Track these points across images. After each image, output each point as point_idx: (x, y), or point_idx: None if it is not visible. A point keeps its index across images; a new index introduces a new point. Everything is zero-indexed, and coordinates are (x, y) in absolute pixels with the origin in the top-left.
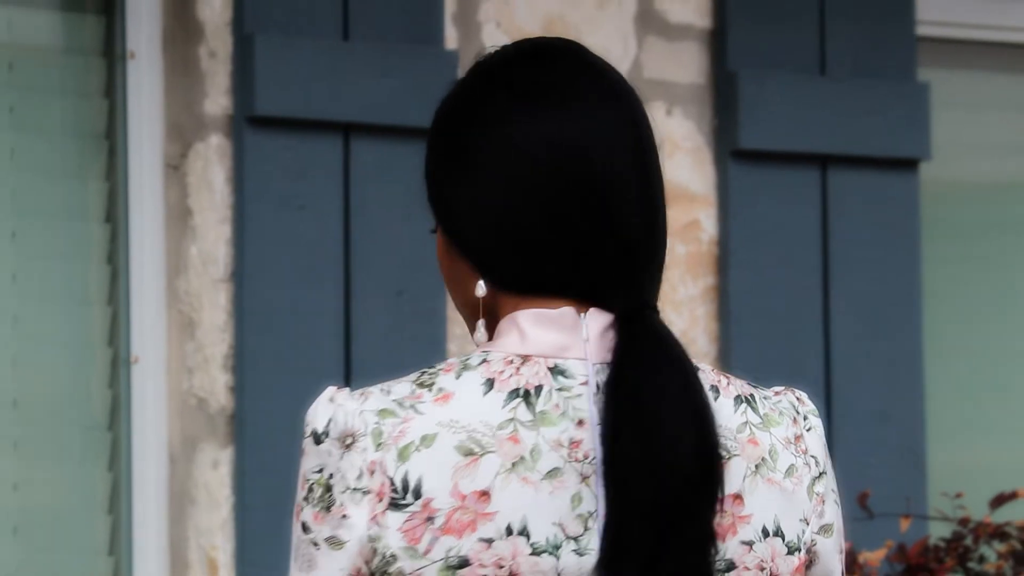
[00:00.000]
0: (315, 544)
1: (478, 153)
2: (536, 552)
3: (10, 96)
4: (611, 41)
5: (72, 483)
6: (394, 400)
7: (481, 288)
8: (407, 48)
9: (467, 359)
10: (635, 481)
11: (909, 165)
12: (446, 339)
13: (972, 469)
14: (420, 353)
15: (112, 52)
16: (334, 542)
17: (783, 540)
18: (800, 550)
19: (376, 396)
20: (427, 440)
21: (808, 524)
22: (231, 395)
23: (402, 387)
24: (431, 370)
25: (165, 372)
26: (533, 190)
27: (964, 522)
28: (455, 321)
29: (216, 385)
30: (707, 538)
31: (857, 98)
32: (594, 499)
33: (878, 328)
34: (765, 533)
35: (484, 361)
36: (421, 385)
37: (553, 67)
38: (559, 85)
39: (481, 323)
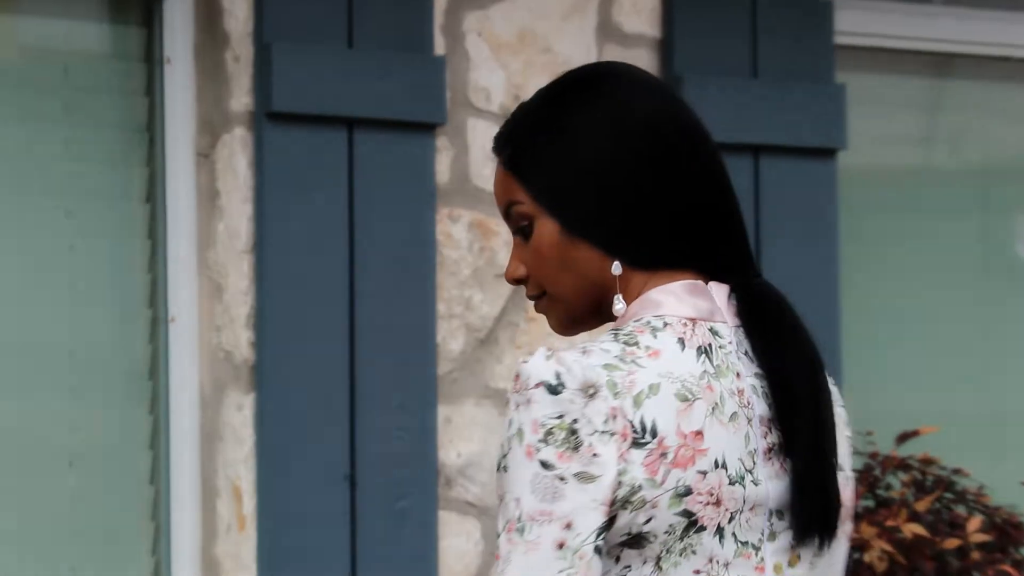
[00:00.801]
0: (561, 479)
1: (605, 156)
2: (731, 482)
3: (65, 95)
4: (576, 49)
5: (119, 423)
6: (615, 356)
7: (617, 267)
8: (402, 54)
9: (648, 322)
10: (802, 426)
11: (828, 154)
12: (435, 303)
13: (882, 412)
14: (413, 314)
15: (151, 58)
16: (585, 477)
17: (726, 472)
18: (738, 483)
19: (597, 353)
20: (653, 389)
21: (743, 463)
22: (253, 349)
23: (611, 346)
24: (623, 332)
25: (197, 329)
26: (664, 178)
27: (873, 456)
28: (444, 288)
29: (240, 340)
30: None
31: (784, 97)
32: (755, 438)
33: (801, 291)
34: (715, 465)
35: (666, 324)
36: (628, 344)
37: (646, 76)
38: (658, 85)
39: (619, 297)
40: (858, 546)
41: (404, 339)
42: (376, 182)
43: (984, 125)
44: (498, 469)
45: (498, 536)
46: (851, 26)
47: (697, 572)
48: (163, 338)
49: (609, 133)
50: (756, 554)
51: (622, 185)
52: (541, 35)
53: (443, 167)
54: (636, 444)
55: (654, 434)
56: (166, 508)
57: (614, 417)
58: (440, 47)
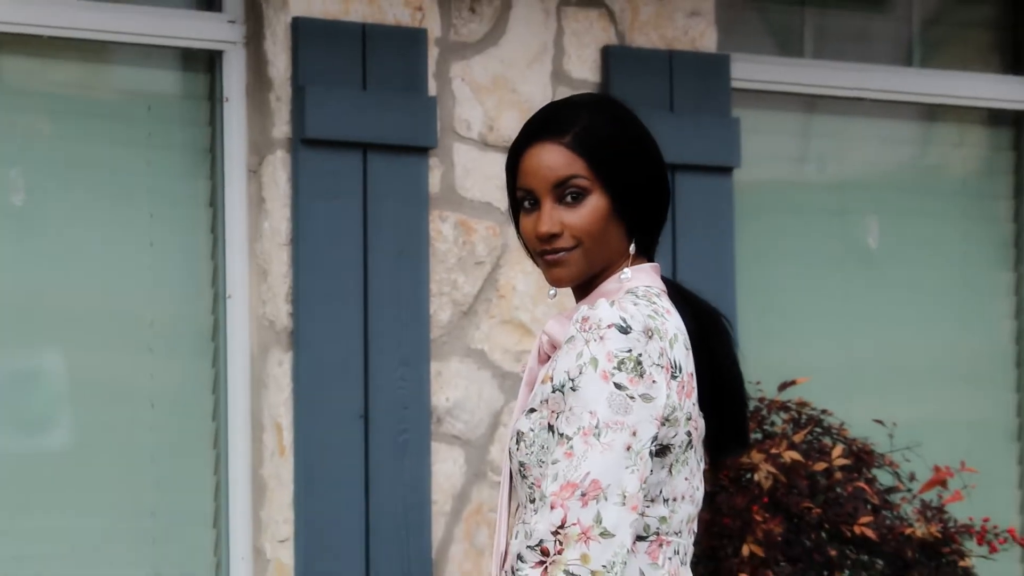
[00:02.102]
0: (631, 398)
1: (656, 167)
2: (700, 416)
3: (148, 125)
4: (536, 89)
5: (188, 374)
6: (653, 311)
7: (633, 248)
8: (403, 94)
9: (649, 288)
10: (720, 369)
11: (726, 171)
12: (428, 283)
13: (767, 367)
14: (411, 292)
15: (214, 97)
16: (647, 397)
17: (698, 406)
18: (700, 415)
19: (642, 306)
20: (676, 338)
21: (699, 400)
22: (291, 319)
23: (643, 304)
24: (637, 297)
25: (248, 303)
26: (666, 191)
27: (761, 400)
28: (435, 272)
29: (280, 312)
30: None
31: (694, 127)
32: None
33: (705, 276)
34: (695, 400)
35: (659, 293)
36: (650, 303)
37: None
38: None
39: (629, 269)
40: (749, 469)
41: (405, 311)
42: (384, 191)
43: (842, 149)
44: (558, 390)
45: (565, 437)
46: (743, 74)
47: (686, 478)
48: (222, 310)
49: (658, 150)
50: (699, 466)
51: (661, 193)
52: (510, 80)
53: (435, 180)
54: (673, 376)
55: (680, 370)
56: (224, 439)
57: (662, 354)
58: (432, 89)
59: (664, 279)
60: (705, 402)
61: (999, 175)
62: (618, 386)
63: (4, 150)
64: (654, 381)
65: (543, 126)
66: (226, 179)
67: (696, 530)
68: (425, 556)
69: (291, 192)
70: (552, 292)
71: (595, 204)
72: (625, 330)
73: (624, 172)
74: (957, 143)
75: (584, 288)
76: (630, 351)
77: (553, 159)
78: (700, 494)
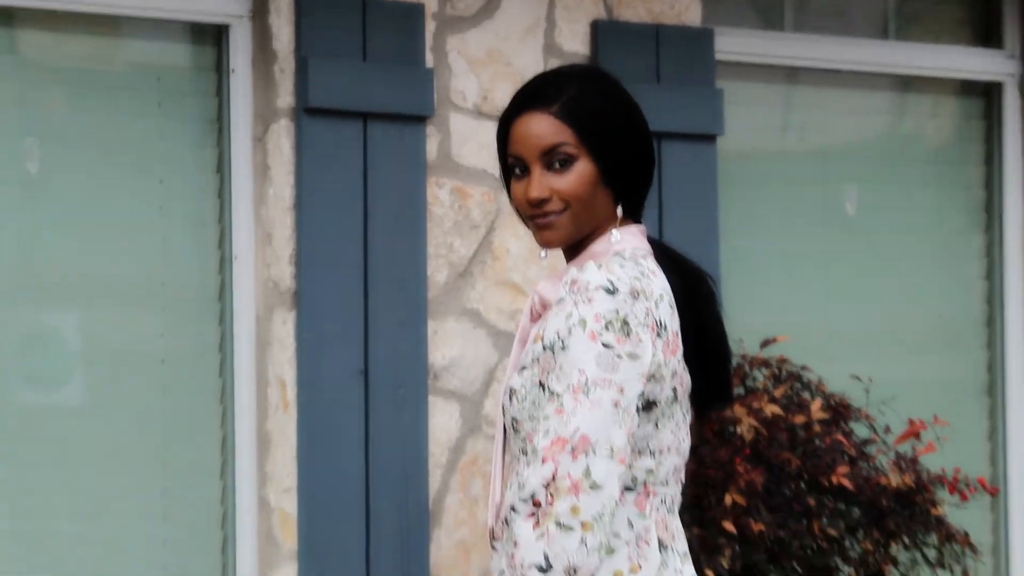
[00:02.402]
0: (619, 356)
1: (641, 136)
2: (684, 369)
3: (158, 96)
4: (529, 62)
5: (196, 333)
6: (639, 271)
7: (620, 211)
8: (402, 66)
9: (636, 250)
10: (705, 327)
11: (711, 139)
12: (426, 246)
13: (750, 325)
14: (409, 254)
15: (221, 69)
16: (633, 356)
17: (683, 362)
18: (685, 371)
19: (628, 268)
20: (661, 298)
21: (684, 357)
22: (294, 280)
23: (629, 266)
24: (624, 259)
25: (253, 265)
26: (651, 157)
27: (744, 357)
28: (432, 235)
29: (284, 274)
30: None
31: (679, 98)
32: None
33: (691, 240)
34: (680, 356)
35: (646, 254)
36: (636, 265)
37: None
38: None
39: (616, 231)
40: (732, 422)
41: (403, 272)
42: (383, 159)
43: (822, 119)
44: (548, 349)
45: (555, 395)
46: (727, 47)
47: (672, 432)
48: (229, 272)
49: (643, 119)
50: (685, 420)
51: (647, 159)
52: (503, 52)
53: (432, 148)
54: (658, 335)
55: (665, 329)
56: (230, 395)
57: (647, 314)
58: (430, 61)
59: (651, 240)
60: (691, 358)
61: (971, 143)
62: (606, 345)
63: (20, 120)
64: (640, 340)
65: (532, 96)
66: (232, 147)
67: (684, 480)
68: (422, 505)
69: (294, 159)
70: (543, 254)
71: (582, 170)
72: (612, 292)
73: (610, 139)
74: (931, 113)
75: (574, 250)
76: (617, 312)
77: (541, 128)
78: (686, 446)
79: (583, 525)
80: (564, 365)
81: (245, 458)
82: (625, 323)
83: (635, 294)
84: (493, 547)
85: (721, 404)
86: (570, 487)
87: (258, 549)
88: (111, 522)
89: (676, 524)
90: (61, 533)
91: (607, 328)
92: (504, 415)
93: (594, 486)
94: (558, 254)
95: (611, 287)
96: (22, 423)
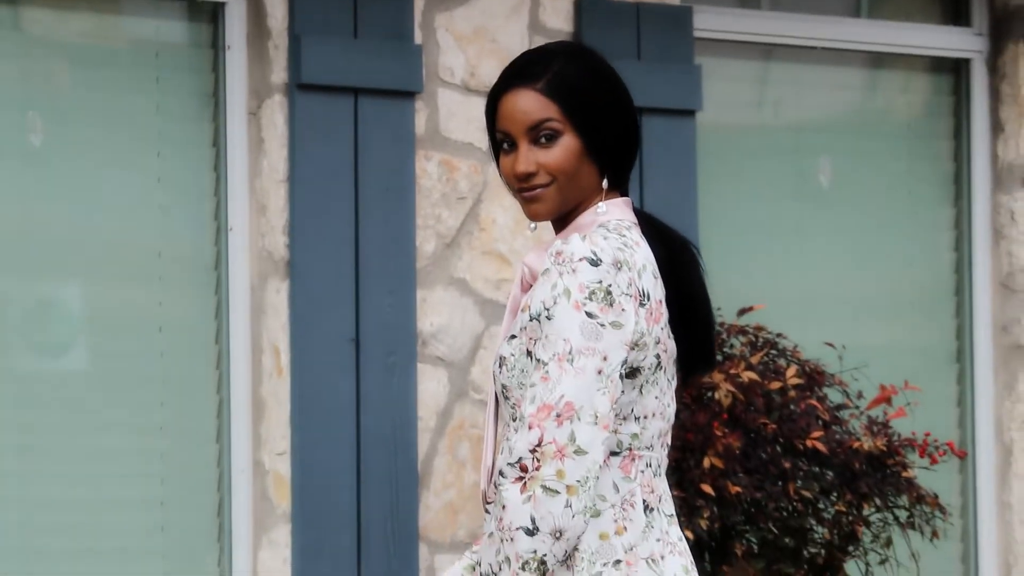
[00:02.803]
0: (602, 325)
1: (625, 110)
2: (668, 337)
3: (156, 72)
4: (514, 39)
5: (193, 301)
6: (622, 243)
7: (605, 183)
8: (391, 42)
9: (620, 221)
10: (689, 295)
11: (690, 114)
12: (415, 217)
13: (727, 294)
14: (399, 225)
15: (217, 45)
16: (616, 324)
17: (667, 330)
18: (670, 338)
19: (612, 240)
20: (644, 268)
21: (669, 325)
22: (287, 250)
23: (613, 238)
24: (609, 231)
25: (248, 236)
26: (635, 131)
27: (721, 324)
28: (420, 207)
29: (278, 244)
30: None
31: (660, 74)
32: (665, 308)
33: (671, 210)
34: (664, 324)
35: (630, 226)
36: (620, 236)
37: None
38: None
39: (603, 203)
40: (710, 388)
41: (393, 243)
42: (373, 133)
43: (797, 94)
44: (535, 319)
45: (541, 363)
46: (705, 25)
47: (656, 397)
48: (224, 242)
49: (627, 93)
50: (670, 385)
51: (630, 133)
52: (490, 30)
53: (420, 122)
54: (641, 304)
55: (648, 298)
56: (226, 361)
57: (630, 284)
58: (418, 38)
59: (637, 211)
60: (675, 325)
61: (940, 118)
62: (589, 315)
63: (24, 94)
64: (623, 309)
65: (518, 73)
66: (228, 121)
67: (669, 443)
68: (411, 467)
69: (288, 133)
70: (532, 226)
71: (567, 144)
72: (596, 263)
73: (594, 114)
74: (902, 89)
75: (562, 221)
76: (600, 282)
77: (527, 104)
78: (671, 411)
79: (568, 489)
80: (549, 334)
81: (240, 422)
82: (608, 293)
83: (618, 265)
84: (486, 510)
85: (705, 369)
86: (555, 452)
87: (253, 510)
88: (111, 484)
89: (663, 487)
90: (63, 494)
91: (591, 298)
92: (495, 383)
93: (579, 451)
94: (547, 225)
95: (595, 258)
96: (26, 388)
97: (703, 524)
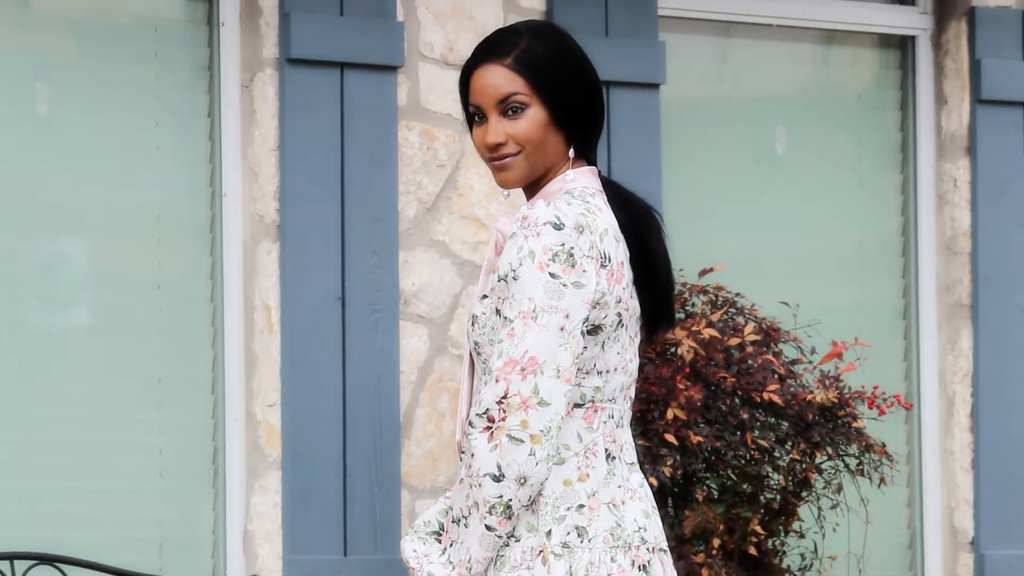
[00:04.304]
0: (564, 285)
1: (589, 83)
2: (630, 296)
3: (155, 46)
4: (490, 16)
5: (189, 261)
6: (585, 208)
7: (572, 152)
8: (375, 19)
9: (585, 188)
10: (652, 257)
11: (654, 87)
12: (397, 183)
13: (689, 256)
14: (382, 191)
15: (212, 22)
16: (578, 284)
17: (629, 290)
18: (633, 297)
19: (575, 206)
20: (606, 232)
21: (631, 285)
22: (278, 214)
23: (576, 203)
24: (574, 198)
25: (241, 200)
26: (600, 103)
27: (684, 284)
28: (403, 173)
29: (269, 208)
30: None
31: (626, 49)
32: (628, 268)
33: (636, 179)
34: (626, 285)
35: (595, 193)
36: (584, 203)
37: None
38: None
39: (572, 171)
40: (673, 344)
41: (377, 207)
42: (358, 105)
43: (755, 68)
44: (502, 279)
45: (508, 320)
46: (669, 3)
47: (618, 353)
48: (219, 206)
49: (591, 68)
50: (632, 342)
51: (594, 104)
52: (467, 7)
53: (402, 94)
54: (602, 266)
55: (609, 260)
56: (221, 318)
57: (592, 247)
58: (400, 15)
59: (603, 179)
60: (638, 285)
61: (888, 91)
62: (552, 275)
63: (31, 66)
64: (584, 271)
65: (489, 50)
66: (222, 93)
67: (632, 396)
68: (394, 418)
69: (278, 105)
70: (505, 193)
71: (534, 116)
72: (559, 227)
73: (560, 87)
74: (852, 63)
75: (532, 188)
76: (563, 245)
77: (497, 78)
78: (633, 366)
79: (532, 438)
80: (515, 293)
81: (234, 375)
82: (570, 255)
83: (580, 229)
84: (460, 458)
85: (667, 326)
86: (520, 404)
87: (246, 458)
88: (112, 432)
89: (625, 437)
90: (67, 443)
91: (554, 260)
92: (468, 340)
93: (542, 403)
94: (519, 192)
95: (558, 222)
96: (31, 343)
97: (666, 471)
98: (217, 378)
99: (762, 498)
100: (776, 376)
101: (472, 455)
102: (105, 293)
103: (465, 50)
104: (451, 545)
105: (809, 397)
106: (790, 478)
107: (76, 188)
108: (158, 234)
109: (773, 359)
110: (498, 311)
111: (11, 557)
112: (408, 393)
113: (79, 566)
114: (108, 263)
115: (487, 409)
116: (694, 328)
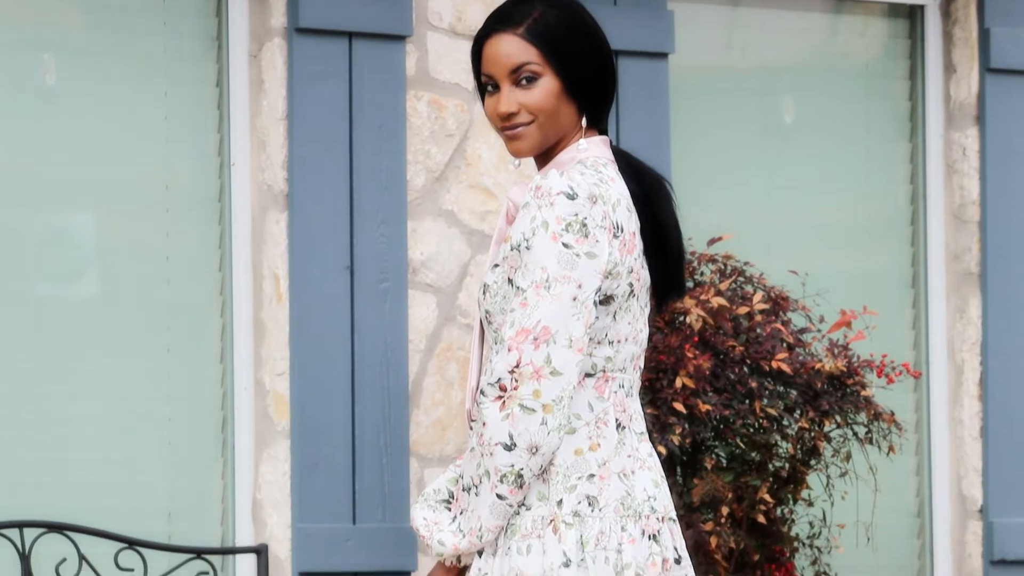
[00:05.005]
0: (577, 255)
1: (601, 53)
2: (642, 267)
3: (165, 17)
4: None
5: (198, 232)
6: (598, 178)
7: (584, 122)
8: None
9: (598, 158)
10: (662, 227)
11: (663, 56)
12: (406, 153)
13: (698, 225)
14: (391, 160)
15: None
16: (591, 255)
17: (640, 260)
18: (644, 268)
19: (588, 176)
20: (619, 202)
21: (643, 256)
22: (286, 183)
23: (589, 174)
24: (586, 168)
25: (249, 170)
26: (612, 72)
27: (692, 253)
28: (411, 143)
29: (277, 177)
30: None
31: (635, 19)
32: (639, 239)
33: (645, 147)
34: (637, 255)
35: (607, 163)
36: (596, 172)
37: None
38: None
39: (584, 140)
40: (682, 312)
41: (385, 177)
42: (367, 74)
43: (764, 37)
44: (515, 249)
45: (520, 290)
46: None
47: (629, 323)
48: (227, 176)
49: (604, 37)
50: (643, 312)
51: (606, 74)
52: None
53: (411, 64)
54: (615, 236)
55: (621, 230)
56: (229, 287)
57: (605, 217)
58: None
59: (615, 149)
60: (648, 255)
61: (896, 59)
62: (566, 245)
63: (40, 37)
64: (597, 241)
65: (501, 19)
66: (231, 63)
67: (642, 366)
68: (403, 387)
69: (287, 74)
70: (516, 162)
71: (547, 85)
72: (572, 197)
73: (572, 56)
74: (861, 32)
75: (544, 157)
76: (576, 215)
77: (509, 48)
78: (644, 336)
79: (544, 407)
80: (528, 263)
81: (243, 344)
82: (584, 225)
83: (593, 199)
84: (471, 427)
85: (676, 295)
86: (532, 373)
87: (254, 427)
88: (121, 403)
89: (635, 407)
90: (76, 413)
91: (567, 230)
92: (479, 309)
93: (554, 372)
94: (530, 162)
95: (571, 192)
96: (41, 313)
97: (675, 440)
98: (226, 347)
99: (771, 466)
100: (785, 345)
101: (484, 424)
102: (113, 264)
103: (473, 19)
104: (461, 513)
105: (818, 366)
106: (799, 446)
107: (84, 159)
108: (166, 204)
109: (782, 328)
110: (510, 280)
111: (20, 525)
112: (416, 362)
113: (88, 534)
114: (116, 234)
115: (499, 378)
116: (703, 297)
